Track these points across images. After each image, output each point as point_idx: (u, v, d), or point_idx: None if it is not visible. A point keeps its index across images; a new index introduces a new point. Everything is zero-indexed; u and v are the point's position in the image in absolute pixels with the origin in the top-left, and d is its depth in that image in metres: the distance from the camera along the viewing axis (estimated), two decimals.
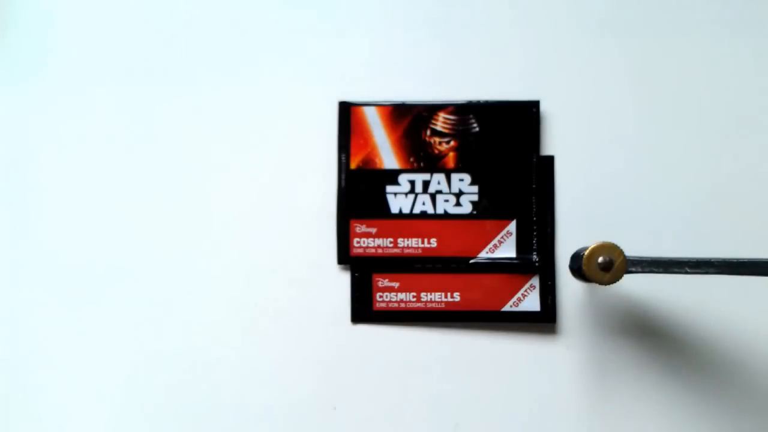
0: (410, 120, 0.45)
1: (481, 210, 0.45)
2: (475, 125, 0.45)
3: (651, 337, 0.44)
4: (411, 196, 0.45)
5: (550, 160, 0.45)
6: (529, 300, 0.44)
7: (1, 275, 0.46)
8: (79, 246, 0.45)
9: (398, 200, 0.45)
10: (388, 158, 0.45)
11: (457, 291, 0.44)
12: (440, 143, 0.45)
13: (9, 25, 0.47)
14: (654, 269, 0.37)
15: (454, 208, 0.45)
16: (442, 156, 0.45)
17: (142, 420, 0.45)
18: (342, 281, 0.45)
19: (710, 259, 0.37)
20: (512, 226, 0.45)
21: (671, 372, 0.44)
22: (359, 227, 0.45)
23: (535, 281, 0.44)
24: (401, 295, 0.45)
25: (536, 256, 0.44)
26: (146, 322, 0.45)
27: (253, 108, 0.46)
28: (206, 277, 0.45)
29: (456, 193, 0.45)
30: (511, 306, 0.44)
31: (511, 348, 0.44)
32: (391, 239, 0.45)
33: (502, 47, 0.45)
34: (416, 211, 0.45)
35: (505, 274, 0.44)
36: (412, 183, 0.45)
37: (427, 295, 0.44)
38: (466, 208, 0.45)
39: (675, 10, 0.45)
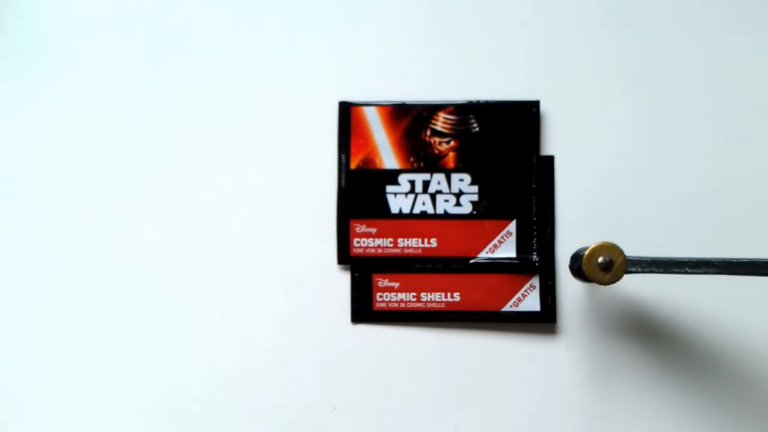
0: (410, 120, 0.45)
1: (481, 210, 0.45)
2: (475, 125, 0.45)
3: (651, 337, 0.44)
4: (411, 196, 0.45)
5: (550, 160, 0.45)
6: (529, 300, 0.44)
7: (0, 275, 0.46)
8: (78, 246, 0.45)
9: (398, 200, 0.45)
10: (388, 158, 0.45)
11: (457, 291, 0.44)
12: (440, 143, 0.45)
13: (9, 24, 0.47)
14: (654, 269, 0.37)
15: (454, 208, 0.45)
16: (442, 156, 0.45)
17: (141, 420, 0.45)
18: (342, 281, 0.45)
19: (710, 259, 0.37)
20: (512, 226, 0.45)
21: (671, 372, 0.44)
22: (359, 227, 0.45)
23: (535, 281, 0.44)
24: (401, 295, 0.45)
25: (536, 256, 0.44)
26: (145, 323, 0.45)
27: (253, 108, 0.46)
28: (206, 277, 0.45)
29: (456, 193, 0.45)
30: (511, 306, 0.44)
31: (511, 348, 0.44)
32: (391, 239, 0.45)
33: (502, 47, 0.45)
34: (416, 211, 0.45)
35: (505, 274, 0.44)
36: (412, 183, 0.45)
37: (427, 295, 0.44)
38: (466, 208, 0.45)
39: (675, 10, 0.45)
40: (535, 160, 0.45)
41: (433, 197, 0.45)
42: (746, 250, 0.43)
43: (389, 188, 0.45)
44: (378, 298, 0.45)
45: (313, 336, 0.44)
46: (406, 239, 0.45)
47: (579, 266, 0.37)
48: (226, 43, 0.46)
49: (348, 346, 0.44)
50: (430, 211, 0.45)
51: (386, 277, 0.45)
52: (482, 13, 0.46)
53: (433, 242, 0.45)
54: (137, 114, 0.46)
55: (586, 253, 0.37)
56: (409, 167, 0.45)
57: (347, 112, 0.45)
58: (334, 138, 0.45)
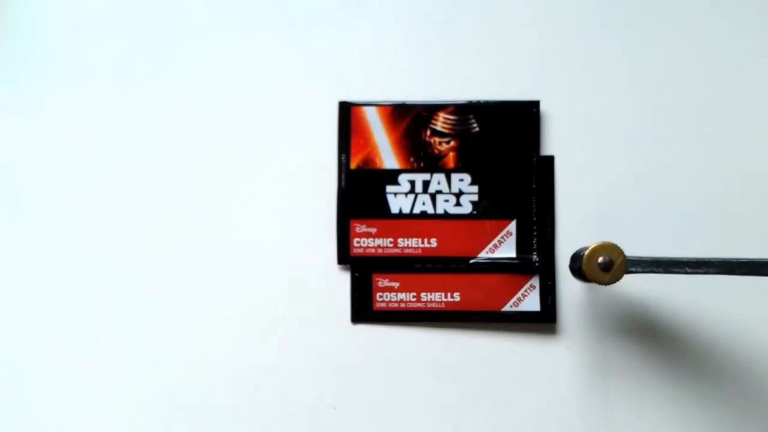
0: (410, 120, 0.45)
1: (481, 210, 0.45)
2: (475, 125, 0.45)
3: (651, 337, 0.44)
4: (411, 196, 0.45)
5: (550, 160, 0.45)
6: (529, 300, 0.44)
7: (1, 275, 0.46)
8: (79, 246, 0.45)
9: (398, 200, 0.45)
10: (388, 158, 0.45)
11: (457, 291, 0.44)
12: (440, 143, 0.45)
13: (9, 26, 0.47)
14: (654, 269, 0.37)
15: (454, 208, 0.45)
16: (442, 156, 0.45)
17: (141, 420, 0.45)
18: (342, 281, 0.45)
19: (710, 259, 0.37)
20: (512, 226, 0.45)
21: (671, 372, 0.44)
22: (359, 227, 0.45)
23: (535, 281, 0.44)
24: (401, 295, 0.45)
25: (536, 256, 0.44)
26: (146, 323, 0.45)
27: (253, 108, 0.46)
28: (206, 277, 0.45)
29: (456, 193, 0.45)
30: (511, 306, 0.44)
31: (511, 348, 0.44)
32: (391, 239, 0.45)
33: (502, 47, 0.45)
34: (416, 211, 0.45)
35: (505, 274, 0.44)
36: (412, 183, 0.45)
37: (427, 295, 0.44)
38: (466, 208, 0.45)
39: (675, 9, 0.45)
40: (535, 160, 0.45)
41: (433, 197, 0.45)
42: (746, 250, 0.43)
43: (389, 188, 0.45)
44: (378, 298, 0.45)
45: (313, 336, 0.44)
46: (406, 239, 0.45)
47: (579, 266, 0.37)
48: (225, 43, 0.46)
49: (348, 346, 0.44)
50: (430, 211, 0.45)
51: (386, 277, 0.45)
52: (482, 13, 0.46)
53: (433, 242, 0.45)
54: (137, 114, 0.46)
55: (586, 253, 0.37)
56: (409, 167, 0.45)
57: (347, 112, 0.45)
58: (334, 138, 0.45)
